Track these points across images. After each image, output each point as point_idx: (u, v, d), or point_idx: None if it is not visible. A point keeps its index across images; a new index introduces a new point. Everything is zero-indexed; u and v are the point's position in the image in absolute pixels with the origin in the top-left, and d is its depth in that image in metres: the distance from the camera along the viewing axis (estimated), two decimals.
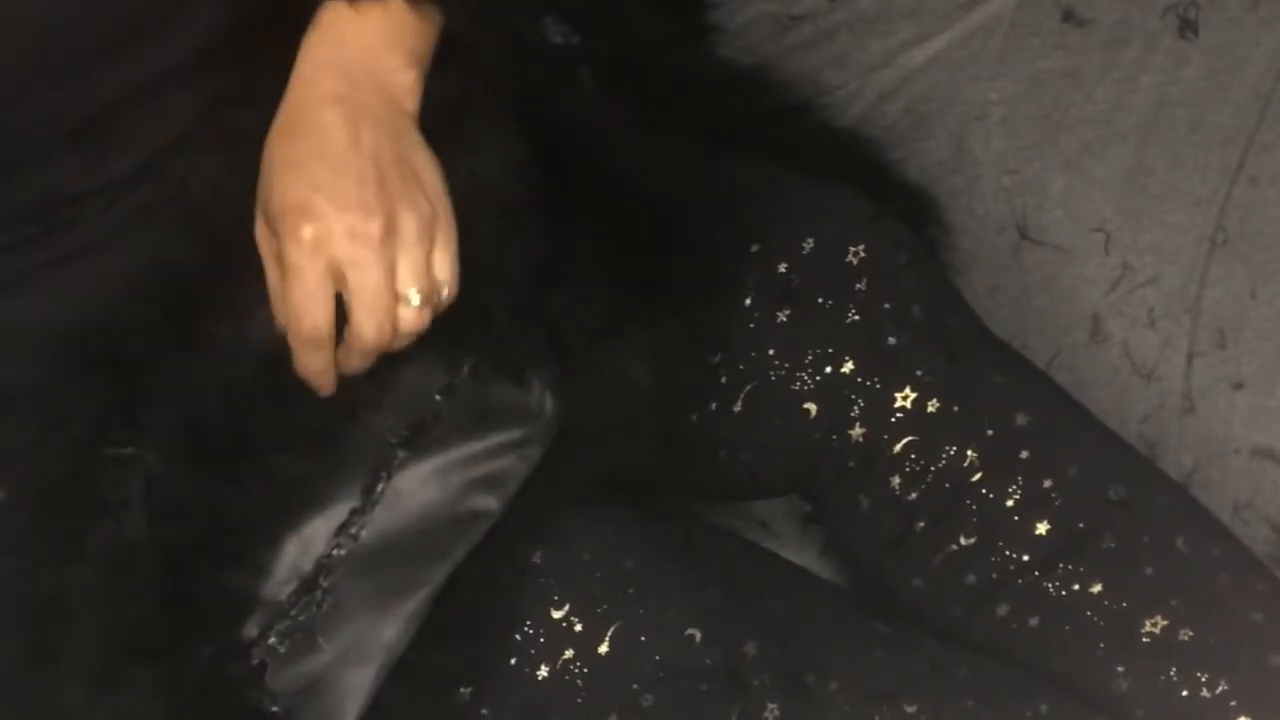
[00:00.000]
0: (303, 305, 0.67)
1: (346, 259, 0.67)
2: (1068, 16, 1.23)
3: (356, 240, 0.67)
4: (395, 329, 0.69)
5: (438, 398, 0.72)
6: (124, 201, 0.73)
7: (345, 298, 0.68)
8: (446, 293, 0.70)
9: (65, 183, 0.72)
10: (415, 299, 0.69)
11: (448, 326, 0.71)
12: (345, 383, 0.71)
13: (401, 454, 0.71)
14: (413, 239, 0.68)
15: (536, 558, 0.75)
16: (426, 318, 0.69)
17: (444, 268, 0.69)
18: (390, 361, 0.71)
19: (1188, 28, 1.21)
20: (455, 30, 0.73)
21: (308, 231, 0.66)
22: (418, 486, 0.71)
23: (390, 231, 0.67)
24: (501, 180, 0.73)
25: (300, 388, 0.70)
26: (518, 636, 0.74)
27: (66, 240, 0.73)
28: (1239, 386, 1.09)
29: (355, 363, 0.70)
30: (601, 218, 0.78)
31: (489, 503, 0.73)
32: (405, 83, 0.71)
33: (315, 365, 0.70)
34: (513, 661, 0.74)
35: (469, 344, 0.72)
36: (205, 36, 0.73)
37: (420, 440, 0.72)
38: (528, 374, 0.74)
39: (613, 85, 0.86)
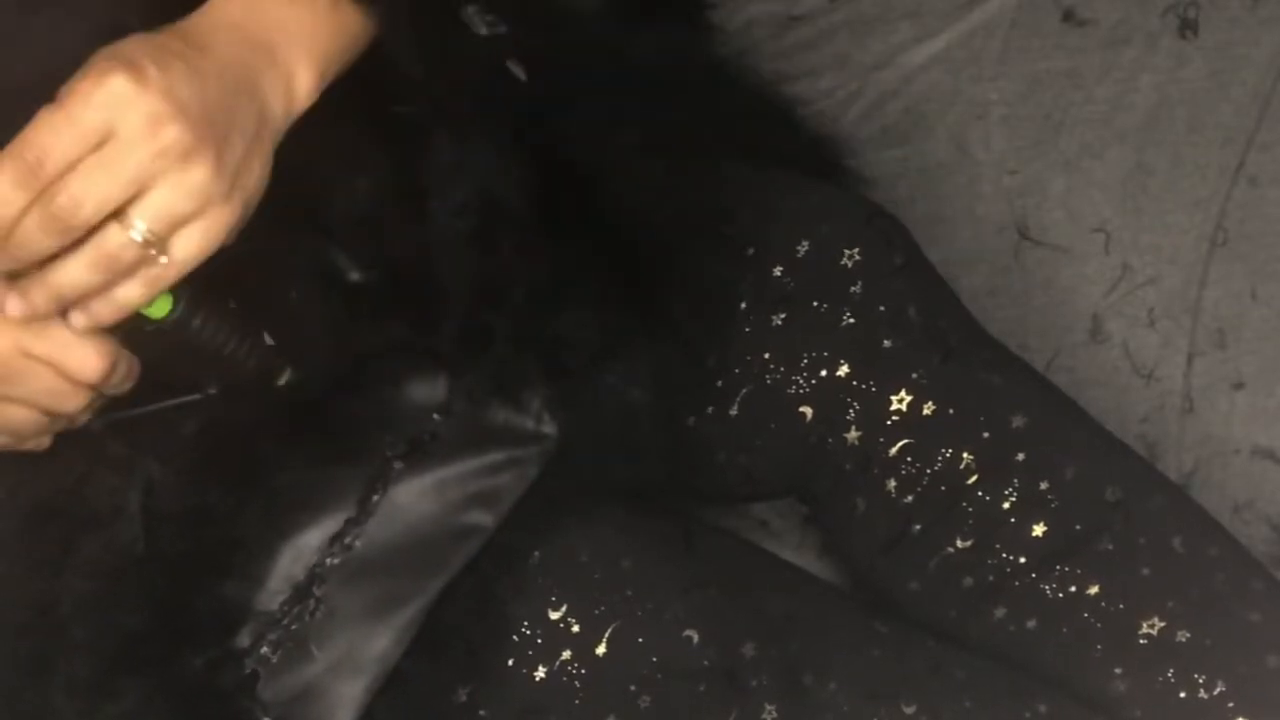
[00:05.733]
0: (50, 142, 0.57)
1: (125, 139, 0.58)
2: (1068, 16, 1.23)
3: (152, 132, 0.58)
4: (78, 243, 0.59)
5: (435, 416, 0.73)
6: None
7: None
8: (173, 272, 0.61)
9: None
10: (139, 232, 0.59)
11: (449, 346, 0.71)
12: (346, 399, 0.71)
13: (398, 466, 0.72)
14: (201, 177, 0.59)
15: (534, 558, 0.76)
16: (131, 259, 0.60)
17: (190, 246, 0.61)
18: (390, 379, 0.71)
19: (1188, 28, 1.21)
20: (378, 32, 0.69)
21: (117, 84, 0.57)
22: (414, 500, 0.71)
23: (189, 153, 0.59)
24: (507, 203, 0.73)
25: (300, 399, 0.70)
26: (515, 637, 0.74)
27: None
28: (1239, 386, 1.09)
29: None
30: (600, 241, 0.78)
31: (484, 518, 0.73)
32: (304, 85, 0.66)
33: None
34: (510, 662, 0.74)
35: (468, 364, 0.72)
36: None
37: (417, 455, 0.72)
38: (525, 396, 0.74)
39: (549, 76, 0.78)
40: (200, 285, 0.64)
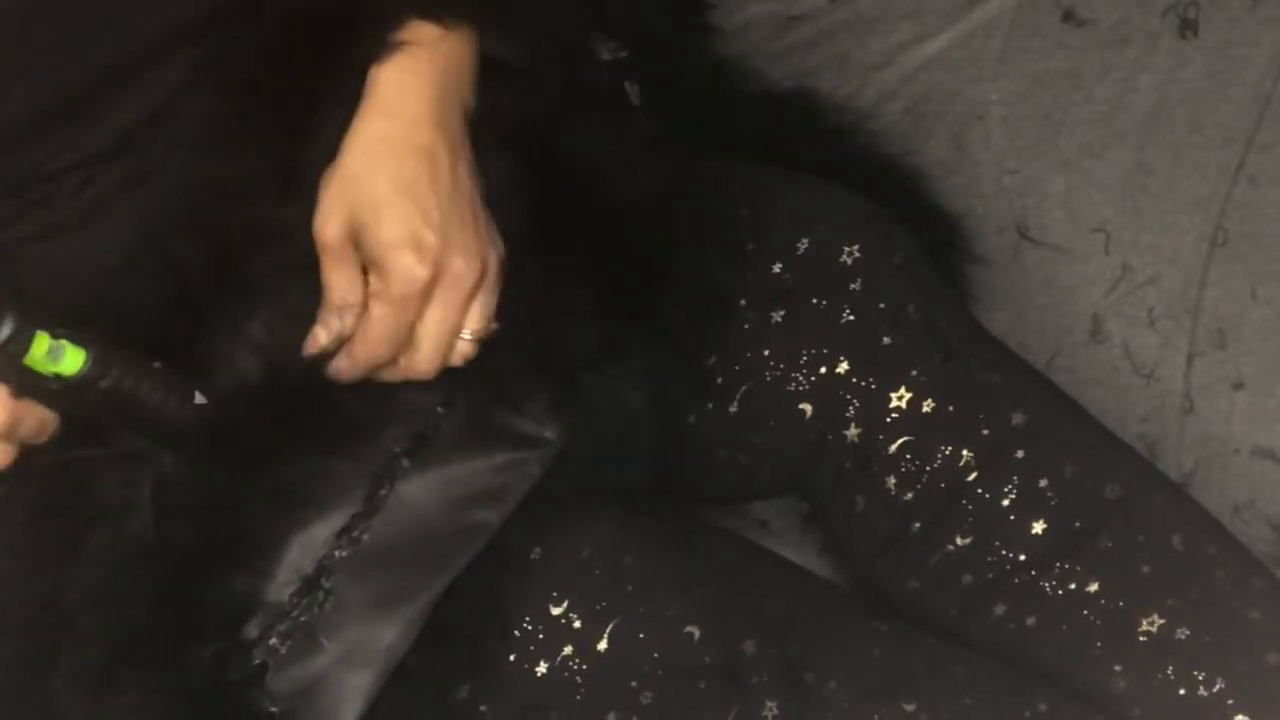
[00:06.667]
0: (392, 336, 0.70)
1: (438, 299, 0.70)
2: (1068, 16, 1.23)
3: (455, 285, 0.70)
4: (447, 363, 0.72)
5: (439, 409, 0.73)
6: (100, 179, 0.73)
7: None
8: (495, 328, 0.73)
9: (39, 162, 0.72)
10: (470, 336, 0.72)
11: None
12: (351, 393, 0.72)
13: (405, 463, 0.72)
14: (493, 284, 0.72)
15: (535, 554, 0.76)
16: (474, 352, 0.72)
17: (494, 305, 0.72)
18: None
19: (1188, 28, 1.21)
20: (509, 58, 0.75)
21: (423, 272, 0.69)
22: (420, 496, 0.72)
23: (482, 279, 0.70)
24: (501, 211, 0.74)
25: (307, 393, 0.71)
26: (516, 633, 0.74)
27: (43, 219, 0.73)
28: (1239, 386, 1.09)
29: (390, 378, 0.72)
30: (597, 247, 0.78)
31: (489, 516, 0.74)
32: (471, 108, 0.74)
33: (357, 376, 0.72)
34: (512, 658, 0.74)
35: (467, 374, 0.73)
36: (178, 12, 0.73)
37: (422, 452, 0.73)
38: (525, 405, 0.75)
39: (660, 98, 0.88)
40: (110, 344, 0.67)
